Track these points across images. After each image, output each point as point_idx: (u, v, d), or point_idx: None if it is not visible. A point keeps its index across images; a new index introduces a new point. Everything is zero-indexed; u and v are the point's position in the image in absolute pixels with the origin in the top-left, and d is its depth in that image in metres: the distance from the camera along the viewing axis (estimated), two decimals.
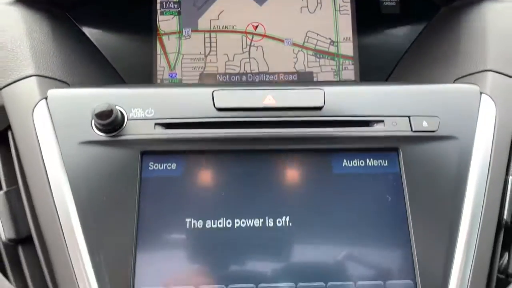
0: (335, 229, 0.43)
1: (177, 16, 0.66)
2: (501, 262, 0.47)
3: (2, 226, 0.43)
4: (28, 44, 0.51)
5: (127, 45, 0.65)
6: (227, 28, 0.66)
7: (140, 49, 0.65)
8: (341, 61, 0.67)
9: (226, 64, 0.66)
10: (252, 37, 0.67)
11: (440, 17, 0.66)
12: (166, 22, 0.66)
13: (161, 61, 0.66)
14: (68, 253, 0.40)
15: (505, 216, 0.45)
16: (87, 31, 0.64)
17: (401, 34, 0.68)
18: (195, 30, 0.66)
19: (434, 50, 0.61)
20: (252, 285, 0.41)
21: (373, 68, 0.67)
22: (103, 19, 0.65)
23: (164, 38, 0.66)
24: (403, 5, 0.69)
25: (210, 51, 0.66)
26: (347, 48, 0.67)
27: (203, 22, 0.66)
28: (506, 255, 0.47)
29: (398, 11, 0.68)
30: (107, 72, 0.62)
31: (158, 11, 0.66)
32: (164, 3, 0.66)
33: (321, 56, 0.67)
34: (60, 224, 0.41)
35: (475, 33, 0.57)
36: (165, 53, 0.66)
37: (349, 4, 0.68)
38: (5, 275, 0.43)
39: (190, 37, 0.66)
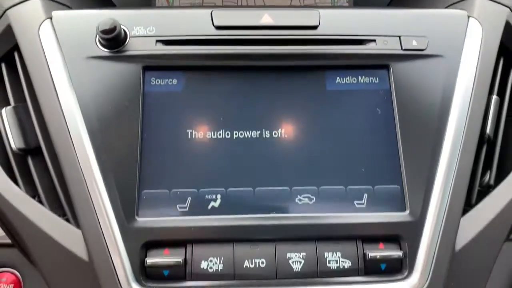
0: (327, 140, 0.45)
1: None
2: (483, 179, 0.50)
3: (12, 136, 0.46)
4: None
5: None
6: None
7: None
8: None
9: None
10: None
11: None
12: None
13: None
14: (78, 160, 0.43)
15: (488, 131, 0.48)
16: None
17: None
18: None
19: None
20: (250, 188, 0.44)
21: (370, 3, 0.68)
22: None
23: None
24: None
25: None
26: None
27: None
28: (488, 173, 0.50)
29: None
30: (106, 3, 0.63)
31: None
32: None
33: None
34: (69, 134, 0.43)
35: None
36: None
37: None
38: (16, 183, 0.45)
39: None
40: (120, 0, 0.65)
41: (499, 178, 0.49)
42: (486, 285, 0.46)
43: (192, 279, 0.41)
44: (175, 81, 0.47)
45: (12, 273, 0.49)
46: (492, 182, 0.48)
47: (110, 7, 0.62)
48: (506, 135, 0.51)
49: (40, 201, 0.45)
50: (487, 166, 0.50)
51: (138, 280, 0.41)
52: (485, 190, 0.48)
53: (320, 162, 0.45)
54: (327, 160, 0.45)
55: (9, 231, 0.45)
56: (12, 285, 0.49)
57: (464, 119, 0.46)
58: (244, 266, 0.41)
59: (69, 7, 0.52)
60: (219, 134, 0.45)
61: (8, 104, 0.48)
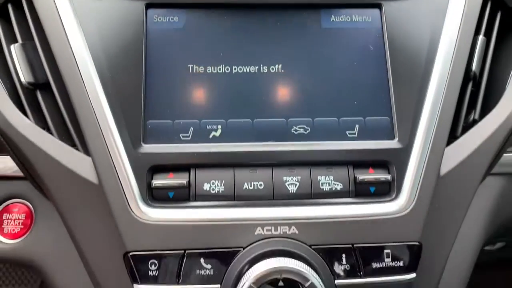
0: (322, 75, 0.48)
1: None
2: (469, 116, 0.53)
3: (21, 71, 0.48)
4: None
5: None
6: None
7: None
8: None
9: None
10: None
11: None
12: None
13: None
14: (87, 93, 0.45)
15: (473, 68, 0.51)
16: None
17: None
18: None
19: None
20: (248, 120, 0.46)
21: None
22: None
23: None
24: None
25: None
26: None
27: None
28: (473, 111, 0.53)
29: None
30: None
31: None
32: None
33: None
34: (79, 69, 0.46)
35: None
36: None
37: None
38: (26, 117, 0.48)
39: None
40: None
41: (484, 115, 0.51)
42: (468, 210, 0.50)
43: (195, 200, 0.44)
44: (176, 19, 0.49)
45: (24, 204, 0.52)
46: (477, 117, 0.51)
47: None
48: (492, 75, 0.53)
49: (50, 133, 0.47)
50: (473, 104, 0.52)
51: (145, 201, 0.44)
52: (471, 125, 0.51)
53: (315, 96, 0.48)
54: (322, 94, 0.48)
55: (21, 162, 0.48)
56: (24, 214, 0.52)
57: (451, 56, 0.49)
58: (244, 188, 0.45)
59: None
60: (219, 69, 0.48)
61: (16, 42, 0.50)
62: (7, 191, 0.52)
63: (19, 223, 0.52)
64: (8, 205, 0.52)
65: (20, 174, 0.51)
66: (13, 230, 0.52)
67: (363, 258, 0.44)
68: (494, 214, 0.54)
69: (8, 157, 0.50)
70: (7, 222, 0.52)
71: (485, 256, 0.75)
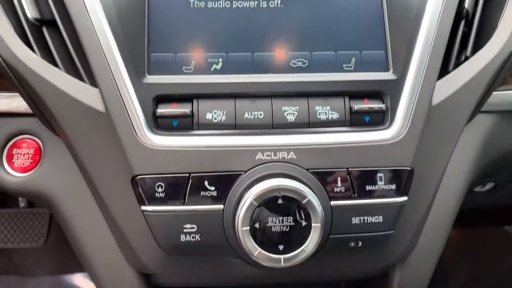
0: (320, 10, 0.50)
1: None
2: (461, 56, 0.55)
3: (28, 7, 0.49)
4: None
5: None
6: None
7: None
8: None
9: None
10: None
11: None
12: None
13: None
14: (94, 28, 0.47)
15: (466, 5, 0.52)
16: None
17: None
18: None
19: None
20: (249, 53, 0.48)
21: None
22: None
23: None
24: None
25: None
26: None
27: None
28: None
29: None
30: None
31: None
32: None
33: None
34: (85, 4, 0.47)
35: None
36: None
37: None
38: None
39: None
40: None
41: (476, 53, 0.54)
42: (458, 143, 0.52)
43: (199, 129, 0.47)
44: None
45: (33, 139, 0.54)
46: (468, 54, 0.53)
47: None
48: (484, 14, 0.55)
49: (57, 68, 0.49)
50: (466, 43, 0.54)
51: (150, 129, 0.46)
52: (463, 62, 0.53)
53: (313, 30, 0.49)
54: (319, 29, 0.49)
55: (30, 98, 0.50)
56: (33, 150, 0.54)
57: None
58: (244, 117, 0.47)
59: None
60: (220, 4, 0.49)
61: None
62: (16, 127, 0.54)
63: (28, 157, 0.54)
64: (17, 141, 0.55)
65: (29, 111, 0.53)
66: (23, 164, 0.54)
67: (357, 181, 0.46)
68: (484, 150, 0.57)
69: (17, 94, 0.52)
70: (17, 157, 0.54)
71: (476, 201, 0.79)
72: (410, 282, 0.55)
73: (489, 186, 0.73)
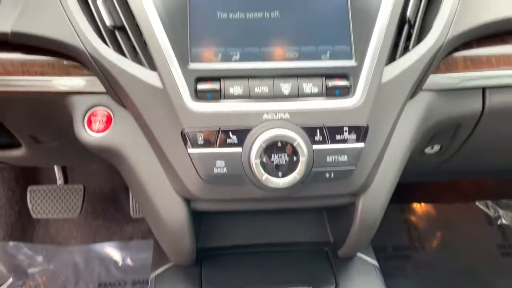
0: (306, 17, 0.70)
1: None
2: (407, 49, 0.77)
3: (106, 17, 0.71)
4: None
5: None
6: None
7: None
8: None
9: None
10: None
11: None
12: None
13: None
14: (155, 33, 0.67)
15: (408, 14, 0.74)
16: None
17: None
18: None
19: None
20: (257, 48, 0.70)
21: None
22: None
23: None
24: None
25: None
26: None
27: None
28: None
29: None
30: None
31: None
32: None
33: None
34: (147, 14, 0.67)
35: None
36: None
37: None
38: None
39: None
40: None
41: None
42: (403, 110, 0.75)
43: (224, 98, 0.69)
44: None
45: (105, 110, 0.76)
46: (411, 47, 0.75)
47: None
48: (425, 20, 0.74)
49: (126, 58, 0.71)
50: (410, 39, 0.76)
51: (193, 99, 0.68)
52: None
53: (301, 32, 0.70)
54: (305, 31, 0.70)
55: (107, 80, 0.72)
56: (106, 117, 0.75)
57: (391, 6, 0.69)
58: (255, 91, 0.68)
59: None
60: (237, 15, 0.71)
61: None
62: (93, 101, 0.75)
63: (102, 122, 0.75)
64: (94, 110, 0.77)
65: (102, 90, 0.75)
66: (99, 127, 0.76)
67: (330, 133, 0.67)
68: (425, 117, 0.77)
69: (95, 77, 0.75)
70: (94, 122, 0.75)
71: (429, 161, 1.01)
72: (370, 208, 0.77)
73: (436, 148, 0.96)
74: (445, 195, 1.79)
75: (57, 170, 1.59)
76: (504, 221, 1.78)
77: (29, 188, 1.53)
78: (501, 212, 1.79)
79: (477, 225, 1.74)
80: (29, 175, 1.72)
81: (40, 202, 1.52)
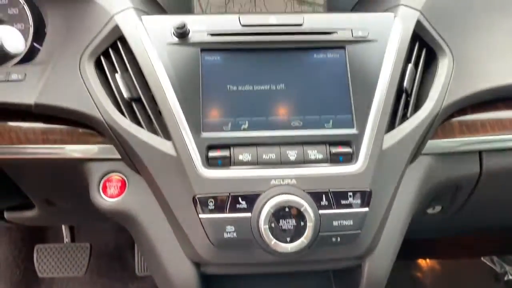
0: (310, 89, 0.77)
1: None
2: (405, 117, 0.82)
3: (124, 90, 0.77)
4: None
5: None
6: None
7: (182, 1, 0.99)
8: (315, 7, 1.01)
9: (239, 9, 1.00)
10: None
11: None
12: None
13: (196, 8, 0.99)
14: (170, 105, 0.72)
15: (405, 85, 0.80)
16: None
17: None
18: None
19: None
20: (264, 117, 0.75)
21: (338, 10, 1.01)
22: None
23: None
24: None
25: (228, 1, 1.00)
26: None
27: None
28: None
29: None
30: (162, 11, 0.95)
31: None
32: None
33: (302, 4, 1.01)
34: (162, 87, 0.73)
35: None
36: (199, 3, 0.99)
37: None
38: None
39: None
40: (170, 8, 0.97)
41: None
42: (404, 175, 0.78)
43: (234, 165, 0.73)
44: (218, 58, 0.78)
45: (120, 176, 0.80)
46: (409, 115, 0.80)
47: (170, 13, 0.94)
48: (421, 89, 0.81)
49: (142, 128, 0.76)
50: (408, 108, 0.81)
51: (205, 166, 0.72)
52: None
53: (305, 102, 0.76)
54: (309, 101, 0.76)
55: (123, 148, 0.76)
56: (120, 183, 0.79)
57: (388, 78, 0.76)
58: (263, 158, 0.72)
59: (147, 13, 0.84)
60: (246, 87, 0.76)
61: (116, 72, 0.79)
62: (109, 167, 0.80)
63: (117, 187, 0.79)
64: (109, 176, 0.81)
65: (118, 156, 0.79)
66: (113, 192, 0.80)
67: (335, 198, 0.71)
68: (425, 180, 0.81)
69: (111, 145, 0.79)
70: (109, 188, 0.79)
71: (431, 221, 1.04)
72: (376, 270, 0.79)
73: (438, 208, 0.99)
74: (450, 250, 1.78)
75: (64, 229, 1.61)
76: (511, 277, 1.76)
77: (36, 247, 1.54)
78: (507, 267, 1.78)
79: (483, 281, 1.73)
80: (36, 234, 1.74)
81: (47, 261, 1.53)
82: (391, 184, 0.76)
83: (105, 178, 0.80)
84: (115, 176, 0.80)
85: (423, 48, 0.84)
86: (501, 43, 0.87)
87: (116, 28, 0.79)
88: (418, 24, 0.82)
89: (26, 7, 0.89)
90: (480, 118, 0.86)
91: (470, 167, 0.87)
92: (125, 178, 0.80)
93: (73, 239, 1.61)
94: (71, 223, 1.57)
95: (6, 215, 1.05)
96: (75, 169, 0.81)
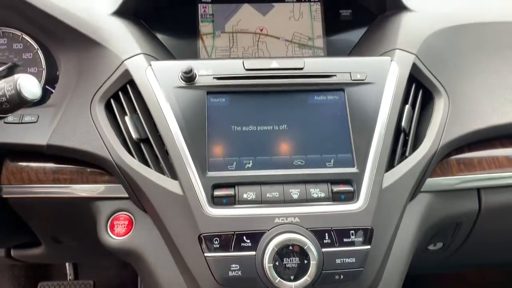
0: (311, 130, 0.80)
1: (212, 23, 1.05)
2: (404, 156, 0.84)
3: (133, 131, 0.80)
4: (133, 38, 0.89)
5: (181, 42, 1.03)
6: (243, 30, 1.05)
7: (189, 45, 1.03)
8: (315, 50, 1.06)
9: (243, 53, 1.04)
10: (259, 36, 1.05)
11: (377, 21, 1.05)
12: (205, 27, 1.04)
13: (202, 52, 1.04)
14: (177, 145, 0.75)
15: (403, 125, 0.83)
16: (156, 34, 1.02)
17: (354, 32, 1.07)
18: (223, 31, 1.05)
19: (372, 39, 1.00)
20: (268, 157, 0.78)
21: (335, 55, 1.05)
22: (165, 25, 1.03)
23: (204, 37, 1.04)
24: (354, 14, 1.08)
25: (233, 45, 1.04)
26: (319, 42, 1.06)
27: (228, 26, 1.05)
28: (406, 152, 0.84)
29: (351, 18, 1.08)
30: (170, 58, 1.00)
31: (200, 20, 1.05)
32: (203, 15, 1.05)
33: (303, 47, 1.06)
34: (171, 130, 0.76)
35: (393, 29, 0.96)
36: (205, 47, 1.04)
37: (320, 14, 1.07)
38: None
39: (220, 36, 1.04)
40: (177, 51, 1.01)
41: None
42: (404, 212, 0.80)
43: (239, 204, 0.74)
44: (223, 100, 0.81)
45: (127, 214, 0.82)
46: (407, 154, 0.82)
47: (178, 59, 0.98)
48: (418, 129, 0.84)
49: (150, 168, 0.79)
50: (406, 147, 0.84)
51: (210, 205, 0.74)
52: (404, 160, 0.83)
53: (307, 142, 0.78)
54: (311, 141, 0.78)
55: (131, 187, 0.79)
56: (127, 221, 0.81)
57: (386, 118, 0.79)
58: (267, 196, 0.74)
59: (157, 59, 0.88)
60: (250, 128, 0.79)
61: (125, 114, 0.83)
62: (117, 206, 0.82)
63: (124, 226, 0.81)
64: (117, 215, 0.83)
65: (125, 195, 0.82)
66: (120, 231, 0.82)
67: (338, 236, 0.72)
68: (425, 217, 0.83)
69: (119, 184, 0.82)
70: (117, 226, 0.81)
71: (433, 257, 1.05)
72: None
73: (439, 245, 1.00)
74: (452, 286, 1.77)
75: (68, 266, 1.61)
76: None
77: (39, 284, 1.54)
78: None
79: None
80: (39, 270, 1.73)
81: None
82: (392, 221, 0.78)
83: (113, 217, 0.82)
84: (123, 215, 0.82)
85: (419, 89, 0.88)
86: (493, 84, 0.90)
87: (126, 72, 0.83)
88: (414, 67, 0.86)
89: (40, 52, 0.94)
90: (477, 156, 0.88)
91: (469, 204, 0.89)
92: (132, 217, 0.81)
93: (76, 276, 1.61)
94: (76, 260, 1.57)
95: (12, 252, 1.06)
96: (83, 208, 0.83)
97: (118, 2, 0.94)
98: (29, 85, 0.66)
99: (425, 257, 1.03)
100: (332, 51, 1.05)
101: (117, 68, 0.83)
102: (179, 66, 0.81)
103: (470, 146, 0.88)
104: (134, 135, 0.79)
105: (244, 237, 0.72)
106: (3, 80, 0.68)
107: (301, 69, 0.83)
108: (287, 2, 1.07)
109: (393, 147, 0.80)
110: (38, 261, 1.23)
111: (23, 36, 0.93)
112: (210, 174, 0.75)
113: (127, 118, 0.81)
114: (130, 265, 0.86)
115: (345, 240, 0.73)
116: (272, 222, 0.73)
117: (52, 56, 0.93)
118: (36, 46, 0.94)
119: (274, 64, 0.83)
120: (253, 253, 0.71)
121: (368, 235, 0.74)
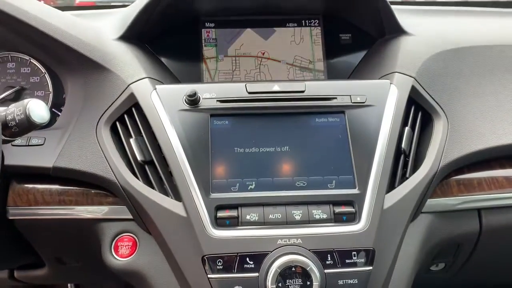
0: (312, 151, 0.81)
1: (215, 47, 1.07)
2: (405, 177, 0.85)
3: (138, 153, 0.81)
4: (138, 63, 0.91)
5: (184, 65, 1.05)
6: (246, 54, 1.07)
7: (193, 68, 1.06)
8: (316, 73, 1.08)
9: (245, 76, 1.07)
10: (261, 60, 1.08)
11: (376, 45, 1.08)
12: (208, 51, 1.07)
13: (205, 75, 1.06)
14: (181, 167, 0.76)
15: (403, 146, 0.84)
16: (161, 57, 1.05)
17: (354, 55, 1.09)
18: (226, 55, 1.07)
19: (371, 63, 1.03)
20: (270, 178, 0.79)
21: (337, 77, 1.08)
22: (169, 49, 1.06)
23: (207, 60, 1.07)
24: (354, 38, 1.10)
25: (235, 68, 1.07)
26: (320, 65, 1.08)
27: (231, 50, 1.07)
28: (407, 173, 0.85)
29: (351, 42, 1.10)
30: (174, 82, 1.02)
31: (203, 45, 1.07)
32: (207, 39, 1.07)
33: (304, 70, 1.08)
34: (174, 151, 0.78)
35: (393, 53, 0.98)
36: (208, 70, 1.06)
37: (320, 38, 1.09)
38: None
39: (223, 60, 1.07)
40: (181, 75, 1.04)
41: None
42: (406, 233, 0.81)
43: (242, 225, 0.75)
44: (226, 122, 0.83)
45: (131, 236, 0.83)
46: (408, 175, 0.84)
47: (182, 81, 1.00)
48: (418, 150, 0.85)
49: (154, 190, 0.80)
50: (407, 167, 0.85)
51: (213, 226, 0.75)
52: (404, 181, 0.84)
53: (308, 164, 0.80)
54: (312, 163, 0.80)
55: (135, 209, 0.80)
56: (131, 243, 0.82)
57: (386, 140, 0.80)
58: (269, 217, 0.75)
59: (162, 82, 0.91)
60: (252, 149, 0.80)
61: (130, 137, 0.84)
62: (121, 227, 0.82)
63: (128, 248, 0.82)
64: (121, 236, 0.84)
65: (130, 216, 0.83)
66: (124, 252, 0.82)
67: (340, 257, 0.73)
68: (426, 238, 0.84)
69: (123, 206, 0.83)
70: (121, 248, 0.81)
71: (435, 278, 1.05)
72: None
73: (441, 266, 1.00)
74: None
75: (70, 287, 1.60)
76: None
77: None
78: None
79: None
80: None
81: None
82: (394, 242, 0.79)
83: (117, 238, 0.82)
84: (127, 237, 0.83)
85: (419, 111, 0.89)
86: (491, 106, 0.92)
87: (132, 96, 0.85)
88: (413, 89, 0.88)
89: (47, 75, 0.96)
90: (476, 177, 0.89)
91: (470, 225, 0.90)
92: (136, 238, 0.82)
93: None
94: (79, 281, 1.56)
95: (16, 274, 1.07)
96: (88, 229, 0.84)
97: (124, 27, 0.97)
98: (38, 109, 0.68)
99: (428, 278, 1.03)
100: (332, 74, 1.07)
101: (122, 92, 0.85)
102: (184, 89, 0.83)
103: (470, 167, 0.89)
104: (139, 157, 0.81)
105: (247, 259, 0.73)
106: (13, 104, 0.70)
107: (302, 92, 0.85)
108: (288, 26, 1.09)
109: (393, 168, 0.81)
110: (42, 282, 1.22)
111: (31, 60, 0.96)
112: (214, 195, 0.76)
113: (132, 141, 0.82)
114: (133, 287, 0.86)
115: (347, 261, 0.74)
116: (274, 244, 0.73)
117: (59, 79, 0.95)
118: (43, 70, 0.96)
119: (276, 87, 0.85)
120: (256, 274, 0.72)
121: (370, 256, 0.74)
